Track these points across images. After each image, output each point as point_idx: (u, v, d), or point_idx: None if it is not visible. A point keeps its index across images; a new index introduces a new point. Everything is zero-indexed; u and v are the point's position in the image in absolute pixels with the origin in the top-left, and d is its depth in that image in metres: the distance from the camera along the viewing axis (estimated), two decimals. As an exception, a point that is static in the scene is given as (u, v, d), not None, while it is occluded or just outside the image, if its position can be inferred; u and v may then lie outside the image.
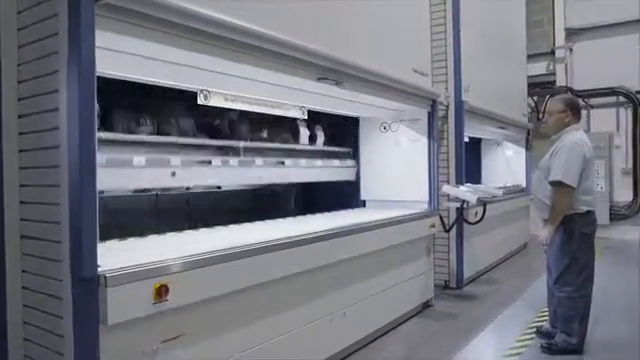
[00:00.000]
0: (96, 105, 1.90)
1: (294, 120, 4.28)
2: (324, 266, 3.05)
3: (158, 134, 3.24)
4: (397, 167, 4.66)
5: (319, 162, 4.38)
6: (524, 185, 7.96)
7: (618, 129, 9.05)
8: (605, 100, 9.02)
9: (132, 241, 2.72)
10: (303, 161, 4.18)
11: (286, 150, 4.09)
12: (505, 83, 7.06)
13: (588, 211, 3.43)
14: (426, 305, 4.61)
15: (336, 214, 4.29)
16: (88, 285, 1.83)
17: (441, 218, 4.68)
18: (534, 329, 3.90)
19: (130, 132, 3.04)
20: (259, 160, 3.71)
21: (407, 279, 4.18)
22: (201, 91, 3.09)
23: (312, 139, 4.44)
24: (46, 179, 1.98)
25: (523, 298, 5.03)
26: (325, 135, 4.59)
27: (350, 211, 4.51)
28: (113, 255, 2.14)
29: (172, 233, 3.07)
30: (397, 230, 3.86)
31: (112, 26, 1.96)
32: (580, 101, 8.46)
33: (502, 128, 6.73)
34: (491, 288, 5.50)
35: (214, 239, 2.78)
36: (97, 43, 1.89)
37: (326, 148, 4.57)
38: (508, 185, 7.36)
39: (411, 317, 4.31)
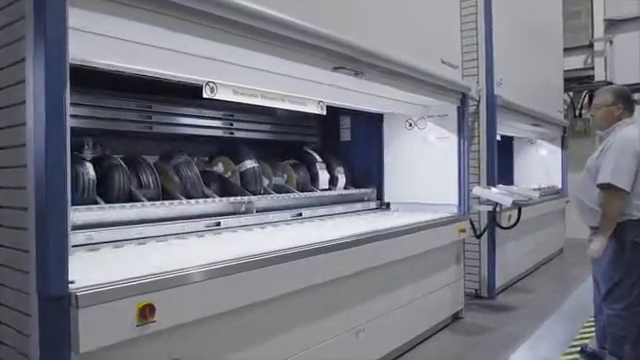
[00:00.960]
0: (67, 98, 1.62)
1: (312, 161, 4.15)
2: (342, 278, 2.73)
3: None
4: (424, 167, 4.31)
5: (339, 208, 4.10)
6: (560, 186, 7.47)
7: (662, 126, 8.44)
8: (647, 96, 8.44)
9: (113, 251, 2.41)
10: (322, 210, 3.90)
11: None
12: (540, 78, 6.60)
13: None
14: (456, 317, 4.24)
15: (357, 217, 3.96)
16: (57, 305, 1.56)
17: (472, 222, 4.30)
18: (578, 348, 3.49)
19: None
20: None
21: (436, 289, 3.82)
22: (207, 83, 2.80)
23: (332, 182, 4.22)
24: (13, 180, 1.71)
25: (562, 311, 4.60)
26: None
27: (372, 215, 4.17)
28: (90, 268, 1.87)
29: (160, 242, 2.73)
30: (424, 236, 3.50)
31: (91, 3, 1.69)
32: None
33: (537, 125, 6.29)
34: (526, 298, 5.08)
35: (210, 248, 2.52)
36: (72, 24, 1.63)
37: (347, 192, 4.29)
38: (543, 186, 6.90)
39: (439, 330, 3.95)
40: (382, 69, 3.09)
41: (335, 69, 2.74)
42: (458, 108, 4.20)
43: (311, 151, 4.27)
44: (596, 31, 8.67)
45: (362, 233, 2.95)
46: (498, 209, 4.39)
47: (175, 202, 2.91)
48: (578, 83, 8.65)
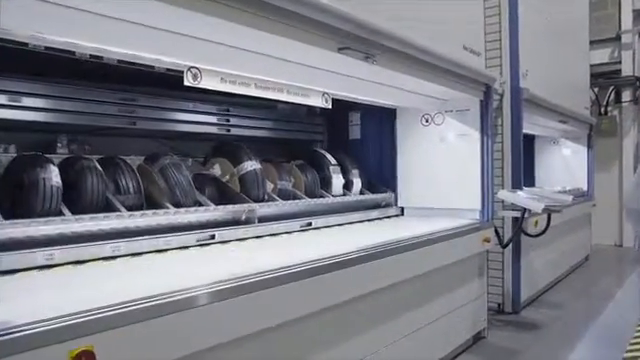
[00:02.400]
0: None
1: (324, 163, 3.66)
2: (345, 302, 2.27)
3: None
4: (442, 168, 3.85)
5: (354, 216, 3.58)
6: (585, 189, 6.95)
7: (696, 125, 7.89)
8: (679, 91, 7.88)
9: (64, 272, 1.90)
10: (335, 218, 3.38)
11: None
12: (565, 71, 6.09)
13: None
14: (478, 337, 3.77)
15: (374, 226, 3.52)
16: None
17: (496, 231, 3.82)
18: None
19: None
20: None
21: (455, 308, 3.35)
22: (189, 69, 2.37)
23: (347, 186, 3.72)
24: None
25: (597, 329, 4.11)
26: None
27: (390, 223, 3.71)
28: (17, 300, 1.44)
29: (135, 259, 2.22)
30: (444, 248, 3.03)
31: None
32: None
33: (563, 122, 5.78)
34: (554, 314, 4.58)
35: (191, 266, 2.08)
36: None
37: (364, 197, 3.80)
38: (568, 189, 6.40)
39: (459, 354, 3.49)
40: (396, 53, 2.63)
41: (340, 50, 2.29)
42: (481, 102, 3.72)
43: (322, 151, 3.79)
44: (624, 22, 8.11)
45: (369, 247, 2.47)
46: (527, 215, 3.90)
47: (160, 211, 2.43)
48: (605, 78, 8.10)
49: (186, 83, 2.37)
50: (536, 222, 4.36)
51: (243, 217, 2.81)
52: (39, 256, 1.92)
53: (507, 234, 4.30)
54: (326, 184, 3.56)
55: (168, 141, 3.28)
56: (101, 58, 2.40)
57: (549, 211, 3.77)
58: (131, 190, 2.49)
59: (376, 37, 2.42)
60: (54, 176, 2.23)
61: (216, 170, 3.10)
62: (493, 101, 3.87)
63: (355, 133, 4.41)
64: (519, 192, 3.92)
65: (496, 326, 4.11)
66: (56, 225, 2.08)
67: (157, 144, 3.22)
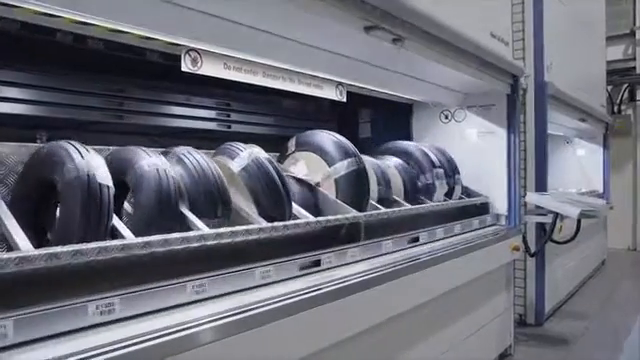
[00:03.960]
0: None
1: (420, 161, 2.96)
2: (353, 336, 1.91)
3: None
4: (463, 168, 3.49)
5: (457, 227, 2.87)
6: (601, 190, 6.62)
7: None
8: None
9: None
10: (440, 231, 2.67)
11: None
12: (584, 66, 5.77)
13: None
14: (503, 355, 3.43)
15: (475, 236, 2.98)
16: None
17: (524, 238, 3.48)
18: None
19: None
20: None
21: (482, 326, 3.01)
22: (187, 52, 2.02)
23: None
24: None
25: (631, 346, 3.78)
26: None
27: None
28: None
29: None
30: (472, 260, 2.66)
31: None
32: None
33: (583, 121, 5.45)
34: (579, 326, 4.25)
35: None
36: None
37: (465, 202, 3.18)
38: (583, 191, 6.07)
39: (485, 376, 3.15)
40: (426, 36, 2.29)
41: (367, 30, 1.94)
42: (508, 96, 3.39)
43: (425, 148, 3.11)
44: (638, 18, 7.81)
45: (378, 267, 1.98)
46: (559, 221, 3.56)
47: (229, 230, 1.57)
48: (620, 76, 7.79)
49: (184, 68, 2.01)
50: (560, 228, 4.02)
51: (343, 232, 2.04)
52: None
53: (530, 241, 3.96)
54: (417, 188, 2.87)
55: (160, 138, 2.93)
56: (85, 43, 2.09)
57: (586, 217, 3.43)
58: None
59: (406, 15, 2.07)
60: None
61: (300, 168, 2.38)
62: (520, 95, 3.52)
63: (365, 131, 4.07)
64: (548, 195, 3.58)
65: (520, 340, 3.77)
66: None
67: (147, 141, 2.87)
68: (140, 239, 1.32)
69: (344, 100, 2.85)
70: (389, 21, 1.99)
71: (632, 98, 8.02)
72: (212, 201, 1.62)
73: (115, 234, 1.39)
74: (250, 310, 1.38)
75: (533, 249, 3.81)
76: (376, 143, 3.91)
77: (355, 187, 2.18)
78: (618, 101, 8.05)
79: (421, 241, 2.43)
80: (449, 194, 3.03)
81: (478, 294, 2.97)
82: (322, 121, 3.84)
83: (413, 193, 2.70)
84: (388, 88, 3.00)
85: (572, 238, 3.87)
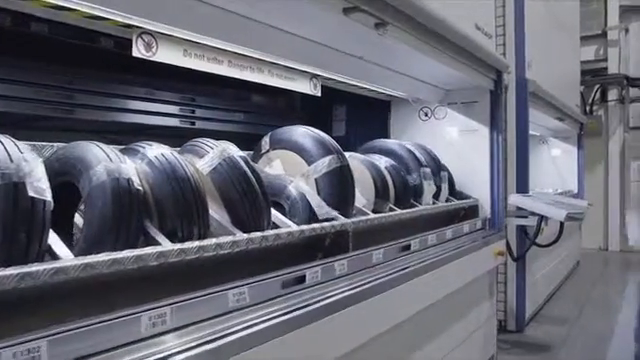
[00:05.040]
0: None
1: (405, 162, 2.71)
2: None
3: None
4: (444, 169, 3.32)
5: (449, 232, 2.63)
6: (576, 191, 6.58)
7: (683, 125, 7.65)
8: (666, 90, 7.64)
9: None
10: (432, 237, 2.41)
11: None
12: (561, 66, 5.69)
13: None
14: (487, 366, 3.25)
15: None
16: None
17: (508, 243, 3.32)
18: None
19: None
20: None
21: (465, 338, 2.82)
22: (140, 35, 1.75)
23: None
24: None
25: (614, 352, 3.66)
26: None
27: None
28: None
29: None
30: (455, 269, 2.45)
31: None
32: None
33: (560, 120, 5.37)
34: (560, 331, 4.12)
35: None
36: None
37: (453, 205, 2.93)
38: (559, 191, 6.00)
39: (469, 389, 2.95)
40: (410, 22, 2.08)
41: (347, 11, 1.71)
42: (491, 92, 3.21)
43: (409, 146, 2.88)
44: (610, 18, 7.83)
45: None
46: (544, 224, 3.40)
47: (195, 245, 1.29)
48: (592, 76, 7.79)
49: (136, 54, 1.75)
50: (542, 230, 3.88)
51: (327, 241, 1.78)
52: None
53: (513, 245, 3.81)
54: (408, 191, 2.58)
55: (116, 136, 2.64)
56: (28, 26, 1.83)
57: (572, 219, 3.29)
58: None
59: (389, -3, 1.85)
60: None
61: (276, 168, 2.14)
62: (503, 92, 3.35)
63: (339, 129, 3.84)
64: (532, 197, 3.43)
65: (502, 349, 3.61)
66: None
67: (101, 139, 2.57)
68: (78, 260, 1.05)
69: (318, 94, 2.62)
70: (371, 2, 1.77)
71: (604, 99, 8.05)
72: (188, 217, 1.34)
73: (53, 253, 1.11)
74: (222, 338, 1.14)
75: (515, 253, 3.65)
76: (351, 143, 3.69)
77: (338, 187, 1.92)
78: (590, 102, 8.06)
79: (413, 249, 2.21)
80: (436, 194, 2.81)
81: (462, 304, 2.77)
82: (293, 118, 3.59)
83: (403, 195, 2.47)
84: (366, 81, 2.78)
85: (555, 241, 3.74)
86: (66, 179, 1.33)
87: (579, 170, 6.61)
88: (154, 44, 1.78)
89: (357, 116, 3.73)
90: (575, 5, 6.55)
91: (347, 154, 2.15)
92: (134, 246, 1.22)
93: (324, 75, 2.58)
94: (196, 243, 1.28)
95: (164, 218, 1.31)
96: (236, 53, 2.11)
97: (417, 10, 2.04)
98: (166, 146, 1.48)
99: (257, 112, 3.22)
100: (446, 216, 2.86)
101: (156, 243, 1.25)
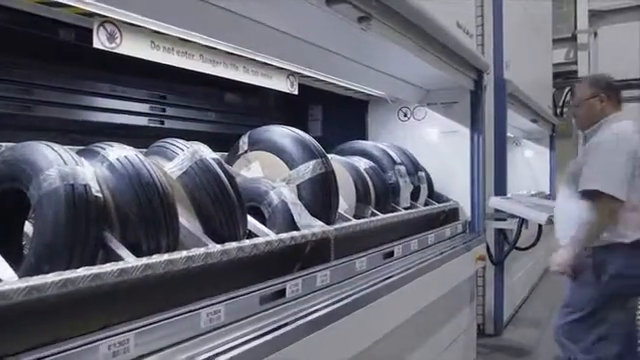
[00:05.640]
0: None
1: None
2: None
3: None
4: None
5: (431, 237, 2.53)
6: (548, 192, 6.62)
7: (651, 127, 7.78)
8: (635, 93, 7.75)
9: None
10: (414, 243, 2.32)
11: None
12: (535, 68, 5.70)
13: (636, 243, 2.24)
14: (467, 373, 3.18)
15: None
16: None
17: (488, 247, 3.25)
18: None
19: None
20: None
21: (446, 347, 2.72)
22: (102, 24, 1.59)
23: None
24: None
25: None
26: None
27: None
28: None
29: None
30: (435, 277, 2.32)
31: None
32: None
33: (534, 121, 5.38)
34: (536, 334, 4.08)
35: None
36: None
37: (435, 208, 2.83)
38: (532, 192, 6.02)
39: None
40: (395, 17, 1.97)
41: (329, 2, 1.59)
42: (472, 92, 3.15)
43: (382, 145, 2.80)
44: (579, 22, 7.94)
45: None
46: (526, 227, 3.35)
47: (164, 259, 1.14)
48: (563, 79, 7.87)
49: (97, 45, 1.59)
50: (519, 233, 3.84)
51: (308, 249, 1.64)
52: None
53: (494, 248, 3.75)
54: (386, 192, 2.45)
55: (79, 135, 2.45)
56: None
57: (553, 222, 3.23)
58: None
59: (375, -11, 1.74)
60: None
61: (255, 171, 1.96)
62: (484, 92, 3.28)
63: (315, 130, 3.72)
64: (513, 200, 3.37)
65: (482, 353, 3.54)
66: None
67: (62, 139, 2.38)
68: (22, 282, 0.88)
69: (295, 92, 2.50)
70: (355, -6, 1.65)
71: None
72: (155, 228, 1.19)
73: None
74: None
75: (494, 257, 3.60)
76: (328, 143, 3.57)
77: (322, 195, 1.79)
78: (561, 104, 8.15)
79: (396, 255, 2.10)
80: (415, 194, 2.72)
81: (443, 311, 2.68)
82: (268, 118, 3.45)
83: (383, 198, 2.36)
84: (345, 79, 2.66)
85: (534, 244, 3.70)
86: (14, 185, 1.17)
87: (551, 171, 6.65)
88: (118, 34, 1.62)
89: (333, 116, 3.61)
90: (548, 6, 6.59)
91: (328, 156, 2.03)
92: (92, 262, 1.07)
93: (301, 72, 2.46)
94: (164, 257, 1.13)
95: (127, 229, 1.16)
96: (209, 47, 1.97)
97: (402, 4, 1.93)
98: (130, 147, 1.32)
99: (231, 111, 3.07)
100: (427, 220, 2.77)
101: (118, 258, 1.10)
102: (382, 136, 3.36)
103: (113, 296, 1.06)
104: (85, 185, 1.10)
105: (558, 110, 8.14)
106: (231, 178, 1.44)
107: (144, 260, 1.09)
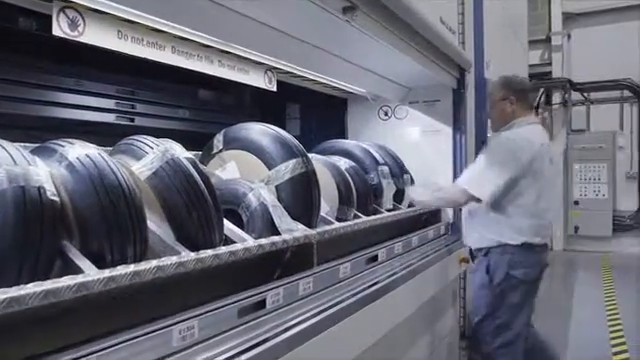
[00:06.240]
0: None
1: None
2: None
3: None
4: (405, 171, 3.15)
5: (415, 239, 2.45)
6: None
7: (622, 128, 7.91)
8: (607, 94, 7.88)
9: None
10: (399, 246, 2.24)
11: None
12: (512, 68, 5.69)
13: (529, 244, 2.29)
14: (451, 379, 3.10)
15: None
16: None
17: (470, 248, 3.17)
18: None
19: None
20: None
21: (431, 352, 2.64)
22: (62, 9, 1.45)
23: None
24: None
25: (570, 351, 3.64)
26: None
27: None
28: None
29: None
30: (418, 284, 2.21)
31: None
32: (523, 82, 7.24)
33: (512, 122, 5.35)
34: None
35: None
36: None
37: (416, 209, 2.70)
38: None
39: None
40: (381, 9, 1.87)
41: (313, -12, 1.48)
42: (454, 90, 3.08)
43: (365, 145, 2.69)
44: (554, 24, 8.01)
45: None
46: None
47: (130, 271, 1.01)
48: (538, 79, 7.92)
49: (57, 32, 1.45)
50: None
51: (288, 255, 1.52)
52: None
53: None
54: (366, 193, 2.33)
55: (40, 133, 2.28)
56: None
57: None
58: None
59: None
60: None
61: (231, 171, 1.82)
62: (467, 90, 3.21)
63: (294, 129, 3.61)
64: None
65: (464, 356, 3.47)
66: None
67: (22, 136, 2.21)
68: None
69: (274, 89, 2.39)
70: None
71: (548, 102, 8.23)
72: (120, 235, 1.06)
73: None
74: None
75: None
76: (307, 143, 3.46)
77: (302, 196, 1.68)
78: (536, 104, 8.21)
79: (380, 260, 2.00)
80: (399, 197, 2.62)
81: (428, 316, 2.59)
82: (245, 116, 3.32)
83: (365, 199, 2.25)
84: (325, 75, 2.56)
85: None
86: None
87: (527, 172, 6.67)
88: (80, 22, 1.49)
89: (312, 115, 3.51)
90: (523, 6, 6.61)
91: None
92: (46, 275, 0.94)
93: (280, 68, 2.34)
94: (130, 268, 1.00)
95: (88, 237, 1.03)
96: (182, 38, 1.84)
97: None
98: (93, 145, 1.18)
99: (205, 109, 2.94)
100: (410, 221, 2.68)
101: (77, 270, 0.97)
102: (362, 136, 3.27)
103: (71, 314, 0.93)
104: (39, 187, 0.96)
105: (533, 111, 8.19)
106: (206, 179, 1.31)
107: (107, 272, 0.96)
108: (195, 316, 1.09)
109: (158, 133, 2.55)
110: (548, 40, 8.05)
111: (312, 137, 3.44)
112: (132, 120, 2.50)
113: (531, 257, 2.31)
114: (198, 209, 1.25)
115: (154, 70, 2.18)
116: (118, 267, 0.99)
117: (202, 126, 2.94)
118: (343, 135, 3.39)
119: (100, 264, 1.01)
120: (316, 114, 3.49)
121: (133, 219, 1.08)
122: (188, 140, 2.88)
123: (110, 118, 2.40)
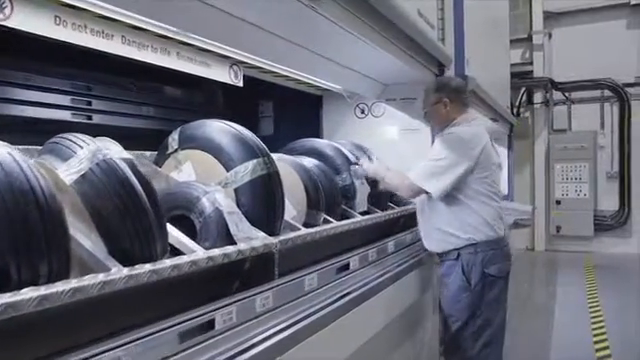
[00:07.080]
0: None
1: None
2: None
3: None
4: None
5: (391, 245, 2.33)
6: (506, 192, 6.57)
7: (603, 127, 7.89)
8: (588, 94, 7.85)
9: None
10: (373, 252, 2.09)
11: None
12: (494, 67, 5.61)
13: (497, 240, 2.28)
14: (431, 389, 2.97)
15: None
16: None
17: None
18: None
19: None
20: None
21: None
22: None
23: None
24: None
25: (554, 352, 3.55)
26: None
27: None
28: None
29: None
30: (395, 292, 2.07)
31: None
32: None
33: (495, 120, 5.27)
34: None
35: None
36: None
37: (395, 212, 2.59)
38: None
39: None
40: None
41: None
42: (433, 87, 2.94)
43: (336, 143, 2.54)
44: (535, 23, 7.96)
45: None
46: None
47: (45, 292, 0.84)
48: (519, 78, 7.86)
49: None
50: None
51: (247, 265, 1.34)
52: None
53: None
54: (334, 196, 2.15)
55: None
56: None
57: (521, 226, 3.08)
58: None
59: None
60: None
61: (186, 173, 1.68)
62: (446, 88, 3.08)
63: (267, 128, 3.46)
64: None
65: (443, 365, 3.35)
66: None
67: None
68: None
69: (240, 84, 2.23)
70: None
71: (530, 101, 8.18)
72: (32, 251, 0.89)
73: None
74: None
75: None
76: (281, 142, 3.31)
77: (264, 200, 1.52)
78: (517, 104, 8.16)
79: (352, 268, 1.85)
80: (376, 200, 2.48)
81: (405, 325, 2.46)
82: (214, 114, 3.15)
83: (335, 202, 2.10)
84: (296, 69, 2.41)
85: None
86: None
87: (509, 171, 6.59)
88: (7, 3, 1.31)
89: (286, 113, 3.36)
90: (505, 6, 6.54)
91: (275, 156, 1.75)
92: None
93: (247, 62, 2.18)
94: (39, 291, 0.83)
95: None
96: (134, 27, 1.67)
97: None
98: (4, 143, 1.01)
99: (172, 106, 2.76)
100: (386, 225, 2.54)
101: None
102: (338, 134, 3.13)
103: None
104: None
105: (515, 110, 8.14)
106: (145, 182, 1.15)
107: (7, 297, 0.79)
108: (123, 344, 0.93)
109: (120, 132, 2.39)
110: (529, 39, 8.00)
111: (287, 136, 3.29)
112: (90, 118, 2.33)
113: (500, 252, 2.30)
114: (134, 217, 1.09)
115: (113, 64, 2.02)
116: (22, 290, 0.82)
117: (168, 124, 2.76)
118: (318, 134, 3.25)
119: (3, 286, 0.84)
120: (290, 112, 3.34)
121: (48, 232, 0.91)
122: (153, 139, 2.71)
123: (65, 115, 2.22)
